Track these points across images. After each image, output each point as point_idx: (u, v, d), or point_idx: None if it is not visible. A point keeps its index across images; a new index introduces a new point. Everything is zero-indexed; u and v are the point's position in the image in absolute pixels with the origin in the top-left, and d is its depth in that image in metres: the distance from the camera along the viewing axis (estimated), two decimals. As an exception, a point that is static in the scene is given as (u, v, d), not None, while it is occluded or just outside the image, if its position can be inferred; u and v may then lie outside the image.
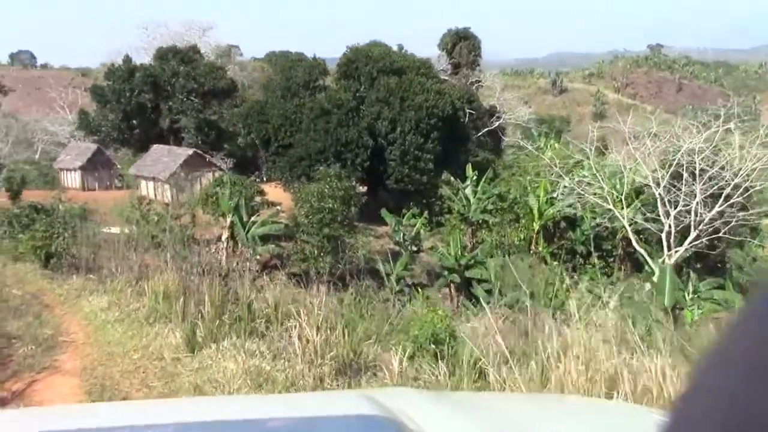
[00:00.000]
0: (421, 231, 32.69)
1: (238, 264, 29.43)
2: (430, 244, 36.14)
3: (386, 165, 40.51)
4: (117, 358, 8.02)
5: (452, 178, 38.99)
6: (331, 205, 29.70)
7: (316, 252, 29.65)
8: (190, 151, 41.25)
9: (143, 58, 52.41)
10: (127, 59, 48.48)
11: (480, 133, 53.85)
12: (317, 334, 7.90)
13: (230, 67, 58.81)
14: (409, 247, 32.16)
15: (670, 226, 29.49)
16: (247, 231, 29.97)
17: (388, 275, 31.62)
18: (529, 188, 37.56)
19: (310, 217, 29.76)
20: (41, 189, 36.02)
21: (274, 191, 38.37)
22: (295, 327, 8.02)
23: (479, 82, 59.68)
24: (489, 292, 29.10)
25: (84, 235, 17.75)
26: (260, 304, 9.77)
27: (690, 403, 0.69)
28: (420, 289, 30.59)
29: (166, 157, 40.60)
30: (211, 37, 61.24)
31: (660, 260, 28.89)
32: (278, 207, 35.10)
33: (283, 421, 1.65)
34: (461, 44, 58.50)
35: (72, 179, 44.37)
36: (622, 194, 32.42)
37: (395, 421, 1.55)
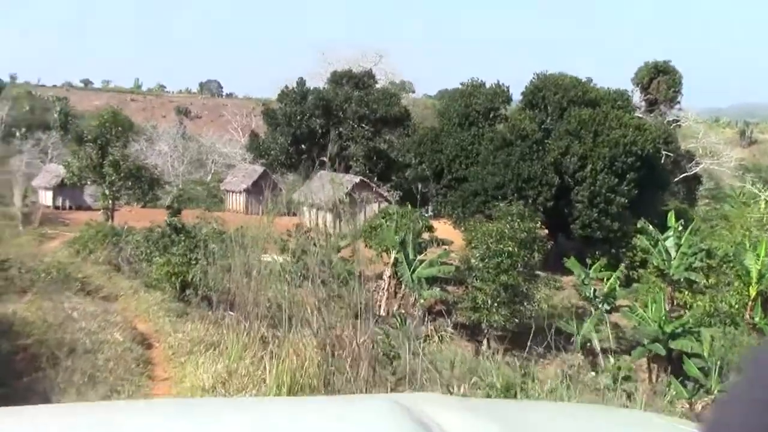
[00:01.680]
0: (616, 288, 27.51)
1: (399, 308, 25.93)
2: (620, 302, 30.73)
3: (572, 207, 35.58)
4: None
5: (650, 227, 33.28)
6: (510, 249, 25.47)
7: (489, 302, 25.47)
8: (357, 179, 38.62)
9: (318, 83, 51.10)
10: (301, 82, 47.17)
11: (678, 179, 47.42)
12: None
13: (404, 95, 56.46)
14: (600, 306, 27.07)
15: None
16: (413, 271, 26.33)
17: (571, 336, 26.87)
18: (747, 245, 31.08)
19: (486, 260, 25.66)
20: (209, 209, 34.69)
21: (442, 228, 34.79)
22: None
23: (677, 121, 53.13)
24: (702, 370, 23.53)
25: (225, 264, 14.65)
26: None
27: None
28: (612, 357, 25.45)
29: (331, 185, 38.21)
30: (387, 65, 59.26)
31: None
32: (446, 247, 31.22)
33: (306, 424, 1.61)
34: (659, 78, 52.38)
35: (236, 201, 43.30)
36: None
37: (423, 425, 1.50)
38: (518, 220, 26.30)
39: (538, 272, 29.05)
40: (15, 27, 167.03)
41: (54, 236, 27.76)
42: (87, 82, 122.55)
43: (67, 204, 40.45)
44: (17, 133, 66.53)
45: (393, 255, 27.12)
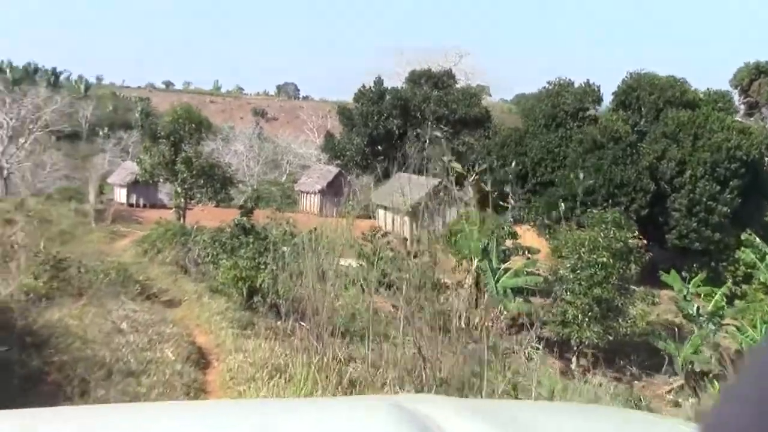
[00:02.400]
0: (724, 305, 24.94)
1: (481, 320, 24.08)
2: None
3: (667, 215, 32.91)
4: None
5: (756, 239, 30.32)
6: (605, 260, 23.25)
7: (580, 316, 23.33)
8: (436, 182, 36.90)
9: (396, 83, 49.66)
10: (379, 81, 45.77)
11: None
12: None
13: (485, 97, 54.47)
14: (704, 324, 24.53)
15: None
16: (497, 280, 24.45)
17: (670, 356, 24.49)
18: None
19: (578, 272, 23.52)
20: (280, 209, 33.74)
21: (524, 234, 32.75)
22: None
23: (780, 126, 49.33)
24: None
25: (296, 268, 13.24)
26: None
27: None
28: (715, 382, 22.94)
29: (408, 187, 36.60)
30: (467, 66, 57.37)
31: None
32: (530, 255, 29.12)
33: (307, 426, 1.60)
34: (761, 80, 48.79)
35: (310, 202, 42.23)
36: None
37: (424, 427, 1.48)
38: (614, 229, 24.06)
39: (630, 286, 26.72)
40: (102, 30, 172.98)
41: (125, 234, 27.12)
42: (168, 84, 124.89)
43: (141, 202, 40.22)
44: (100, 132, 67.91)
45: (475, 262, 25.29)
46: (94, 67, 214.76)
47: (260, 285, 13.46)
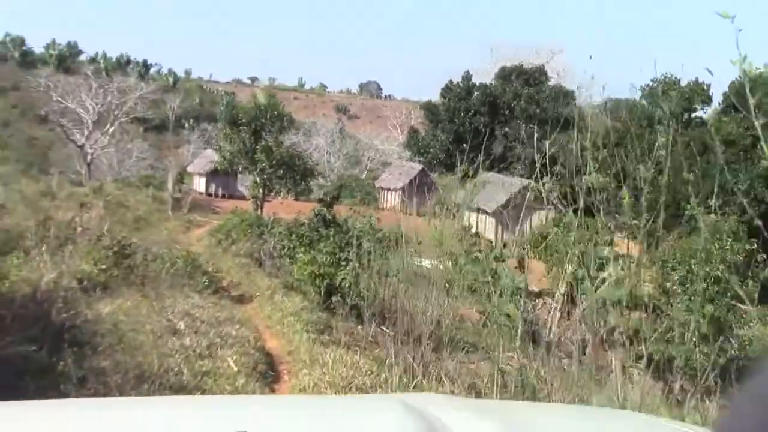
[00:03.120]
0: None
1: (574, 333, 22.06)
2: None
3: (783, 227, 29.98)
4: None
5: None
6: (719, 274, 20.80)
7: (689, 335, 20.99)
8: (524, 182, 34.89)
9: (485, 80, 47.66)
10: (467, 77, 43.89)
11: None
12: None
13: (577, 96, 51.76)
14: (833, 351, 21.77)
15: None
16: (595, 290, 22.38)
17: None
18: None
19: (687, 285, 21.15)
20: (364, 201, 32.64)
21: (620, 242, 30.37)
22: None
23: None
24: None
25: (382, 266, 11.73)
26: None
27: None
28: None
29: (494, 187, 34.69)
30: (559, 64, 54.69)
31: None
32: (632, 263, 26.79)
33: (315, 424, 1.58)
34: None
35: (391, 199, 40.83)
36: None
37: (431, 426, 1.46)
38: (730, 239, 21.54)
39: (743, 304, 24.11)
40: (192, 26, 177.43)
41: (201, 224, 26.32)
42: (254, 79, 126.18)
43: (220, 191, 39.83)
44: (186, 124, 68.65)
45: (568, 270, 23.20)
46: (184, 62, 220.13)
47: (340, 283, 12.03)
